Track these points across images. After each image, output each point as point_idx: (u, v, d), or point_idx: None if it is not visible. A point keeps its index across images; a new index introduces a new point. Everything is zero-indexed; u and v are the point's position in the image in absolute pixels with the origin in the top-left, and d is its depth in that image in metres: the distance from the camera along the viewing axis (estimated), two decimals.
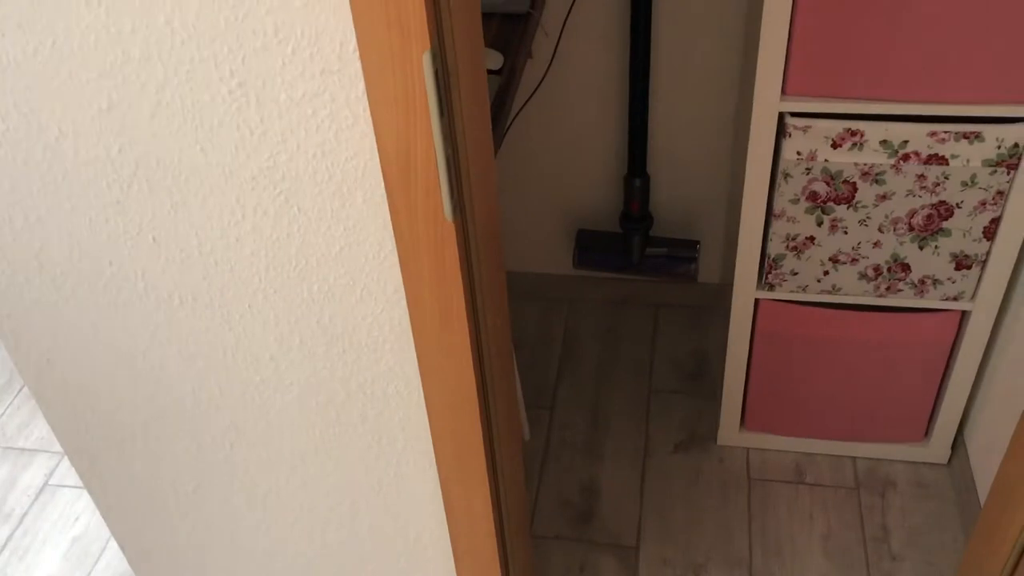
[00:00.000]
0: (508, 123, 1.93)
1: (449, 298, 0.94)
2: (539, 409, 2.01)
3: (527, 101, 1.89)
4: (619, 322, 2.19)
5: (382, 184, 0.88)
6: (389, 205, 0.89)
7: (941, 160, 1.40)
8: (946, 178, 1.42)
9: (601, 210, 2.08)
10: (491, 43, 1.58)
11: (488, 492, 1.14)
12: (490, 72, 1.49)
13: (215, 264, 1.01)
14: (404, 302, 0.98)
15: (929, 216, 1.47)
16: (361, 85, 0.82)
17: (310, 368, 1.09)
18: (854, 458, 1.85)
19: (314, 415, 1.15)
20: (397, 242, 0.91)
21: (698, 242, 2.00)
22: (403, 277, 0.94)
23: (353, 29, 0.78)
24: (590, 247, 2.03)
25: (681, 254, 1.99)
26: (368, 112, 0.84)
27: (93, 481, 1.31)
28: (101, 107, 0.89)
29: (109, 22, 0.82)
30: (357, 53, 0.80)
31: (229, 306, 1.05)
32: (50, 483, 1.96)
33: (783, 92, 1.39)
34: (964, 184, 1.42)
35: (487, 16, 1.65)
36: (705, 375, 2.06)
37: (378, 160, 0.86)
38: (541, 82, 1.85)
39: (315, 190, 0.92)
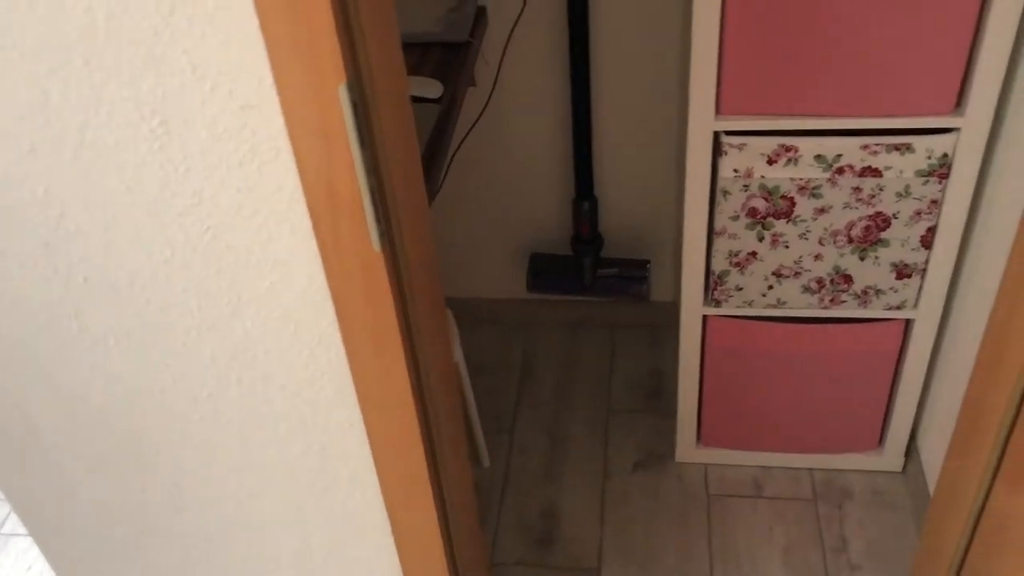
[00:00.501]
0: (454, 150, 1.94)
1: (382, 327, 0.94)
2: (499, 434, 2.01)
3: (471, 128, 1.90)
4: (576, 344, 2.20)
5: (308, 216, 0.89)
6: (316, 237, 0.89)
7: (875, 172, 1.42)
8: (881, 189, 1.44)
9: (553, 233, 2.09)
10: (432, 72, 1.59)
11: (436, 520, 1.14)
12: (430, 101, 1.50)
13: (147, 303, 1.00)
14: (339, 333, 0.98)
15: (867, 227, 1.49)
16: (281, 119, 0.83)
17: (250, 404, 1.08)
18: (811, 470, 1.87)
19: (257, 452, 1.14)
20: (326, 274, 0.91)
21: (648, 261, 2.02)
22: (335, 308, 0.94)
23: (269, 65, 0.79)
24: (543, 271, 2.04)
25: (632, 274, 2.00)
26: (290, 145, 0.84)
27: (39, 528, 1.29)
28: (23, 150, 0.88)
29: (26, 64, 0.82)
30: (275, 88, 0.80)
31: (164, 344, 1.04)
32: (2, 532, 1.93)
33: (717, 112, 1.42)
34: (898, 195, 1.44)
35: (427, 46, 1.66)
36: (662, 393, 2.07)
37: (303, 193, 0.87)
38: (484, 109, 1.87)
39: (243, 225, 0.92)
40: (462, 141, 1.92)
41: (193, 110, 0.84)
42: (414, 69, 1.60)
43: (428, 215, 1.00)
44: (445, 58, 1.63)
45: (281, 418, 1.09)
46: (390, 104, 0.85)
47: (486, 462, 1.93)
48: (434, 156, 1.41)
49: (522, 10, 1.74)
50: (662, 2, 1.72)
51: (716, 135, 1.44)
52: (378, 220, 0.86)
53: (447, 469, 1.14)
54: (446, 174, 1.98)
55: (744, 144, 1.42)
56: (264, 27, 0.76)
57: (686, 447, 1.88)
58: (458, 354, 1.70)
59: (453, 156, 1.95)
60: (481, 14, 1.76)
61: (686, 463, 1.90)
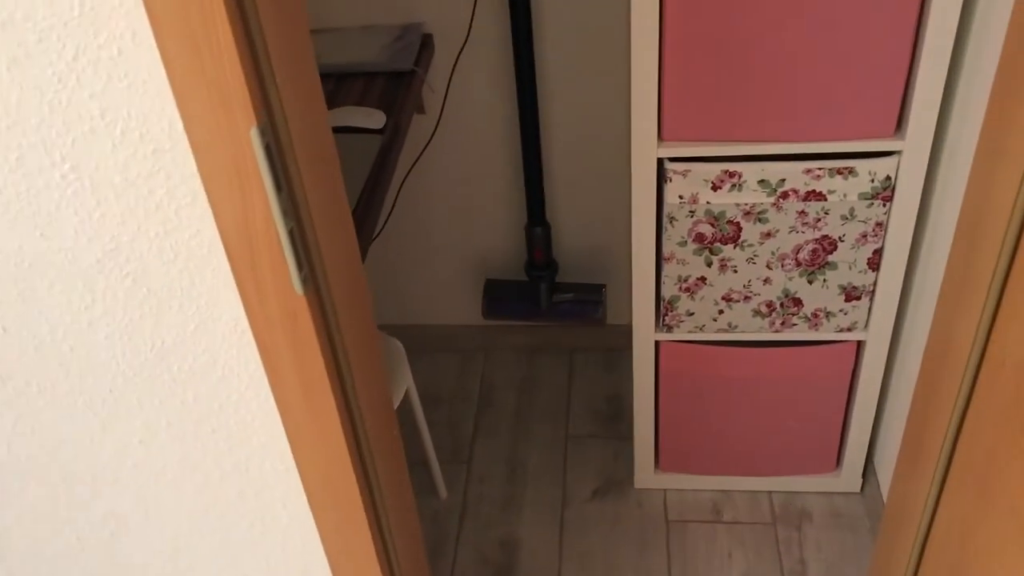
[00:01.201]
0: (402, 178, 1.92)
1: (310, 372, 0.92)
2: (456, 464, 1.98)
3: (419, 156, 1.89)
4: (535, 370, 2.18)
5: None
6: (236, 282, 0.87)
7: (819, 196, 1.42)
8: (826, 213, 1.44)
9: (507, 259, 2.08)
10: (376, 102, 1.57)
11: (378, 565, 1.11)
12: (372, 132, 1.48)
13: (70, 350, 0.97)
14: (267, 379, 0.96)
15: (814, 251, 1.49)
16: (195, 163, 0.80)
17: (181, 450, 1.06)
18: (770, 492, 1.86)
19: (192, 497, 1.11)
20: (249, 319, 0.89)
21: (604, 286, 2.01)
22: (260, 354, 0.92)
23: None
24: (499, 296, 2.02)
25: (588, 298, 1.99)
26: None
27: None
28: None
29: None
30: (185, 133, 0.78)
31: (90, 391, 1.01)
32: None
33: (659, 138, 1.41)
34: (844, 218, 1.44)
35: (372, 76, 1.65)
36: (621, 417, 2.05)
37: (220, 238, 0.84)
38: (432, 137, 1.85)
39: (162, 270, 0.89)
40: (410, 169, 1.90)
41: (104, 155, 0.82)
42: (358, 99, 1.58)
43: (356, 255, 0.98)
44: (390, 88, 1.62)
45: (214, 463, 1.07)
46: (308, 145, 0.83)
47: (443, 493, 1.91)
48: (376, 187, 1.39)
49: (467, 37, 1.73)
50: (609, 25, 1.72)
51: (660, 161, 1.43)
52: (299, 264, 0.84)
53: (389, 513, 1.12)
54: (395, 203, 1.96)
55: (688, 170, 1.42)
56: (170, 72, 0.74)
57: (644, 473, 1.86)
58: (410, 386, 1.68)
59: (403, 184, 1.94)
60: (427, 42, 1.75)
61: (645, 489, 1.88)
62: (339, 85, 1.63)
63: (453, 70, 1.77)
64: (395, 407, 1.49)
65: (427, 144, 1.86)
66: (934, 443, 1.28)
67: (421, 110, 1.87)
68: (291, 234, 0.83)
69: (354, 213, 1.33)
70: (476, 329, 2.20)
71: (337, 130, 1.49)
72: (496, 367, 2.20)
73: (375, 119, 1.50)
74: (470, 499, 1.91)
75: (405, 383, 1.55)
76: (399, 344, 1.62)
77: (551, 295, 1.99)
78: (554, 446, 2.00)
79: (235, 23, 0.71)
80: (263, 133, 0.77)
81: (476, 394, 2.14)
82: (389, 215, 1.96)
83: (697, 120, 1.39)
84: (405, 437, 1.99)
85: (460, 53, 1.75)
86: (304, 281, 0.86)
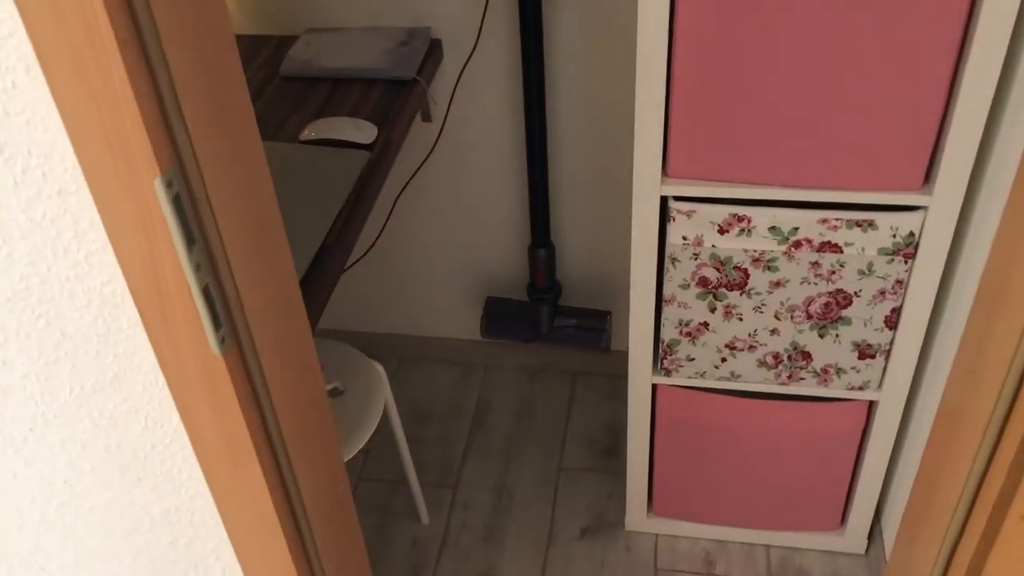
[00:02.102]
0: (402, 186, 1.83)
1: (233, 435, 0.84)
2: (442, 488, 1.90)
3: (420, 166, 1.79)
4: (535, 391, 2.09)
5: None
6: (148, 337, 0.78)
7: (835, 248, 1.31)
8: (841, 266, 1.32)
9: (510, 277, 1.98)
10: (370, 112, 1.48)
11: None
12: (361, 147, 1.39)
13: None
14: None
15: (827, 304, 1.37)
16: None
17: (108, 494, 0.98)
18: (768, 547, 1.75)
19: (122, 541, 1.04)
20: (165, 376, 0.81)
21: (609, 313, 1.90)
22: (179, 412, 0.84)
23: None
24: (498, 315, 1.93)
25: (591, 325, 1.89)
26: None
27: None
28: None
29: None
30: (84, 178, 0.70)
31: (10, 429, 0.94)
32: None
33: (664, 174, 1.30)
34: (861, 272, 1.33)
35: (370, 83, 1.56)
36: (619, 450, 1.95)
37: (129, 290, 0.76)
38: (433, 148, 1.76)
39: (76, 314, 0.81)
40: (411, 176, 1.81)
41: (7, 191, 0.74)
42: (351, 108, 1.49)
43: (297, 308, 0.89)
44: (388, 97, 1.53)
45: (143, 510, 0.99)
46: (233, 192, 0.75)
47: (425, 518, 1.83)
48: (357, 207, 1.30)
49: (475, 47, 1.63)
50: (624, 44, 1.61)
51: (664, 199, 1.33)
52: (216, 323, 0.76)
53: (330, 573, 1.04)
54: (392, 209, 1.87)
55: (693, 211, 1.31)
56: (63, 114, 0.65)
57: (636, 515, 1.77)
58: (391, 408, 1.59)
59: (403, 190, 1.85)
60: (434, 48, 1.65)
61: (636, 532, 1.79)
62: (334, 91, 1.54)
63: (458, 80, 1.67)
64: (367, 435, 1.41)
65: (428, 155, 1.77)
66: (942, 513, 1.18)
67: (427, 118, 1.77)
68: (206, 291, 0.74)
69: (329, 233, 1.24)
70: (477, 344, 2.11)
71: (323, 143, 1.40)
72: (494, 385, 2.11)
73: (365, 133, 1.41)
74: (452, 527, 1.83)
75: (379, 408, 1.46)
76: (379, 369, 1.54)
77: (553, 319, 1.89)
78: (546, 477, 1.91)
79: (132, 58, 0.62)
80: (169, 184, 0.68)
81: (471, 413, 2.05)
82: (385, 224, 1.88)
83: (705, 158, 1.28)
84: (389, 457, 1.92)
85: (467, 63, 1.65)
86: (222, 341, 0.77)
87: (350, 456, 1.38)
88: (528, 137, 1.66)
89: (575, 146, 1.75)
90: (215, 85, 0.70)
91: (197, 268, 0.73)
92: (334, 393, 1.48)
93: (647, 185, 1.31)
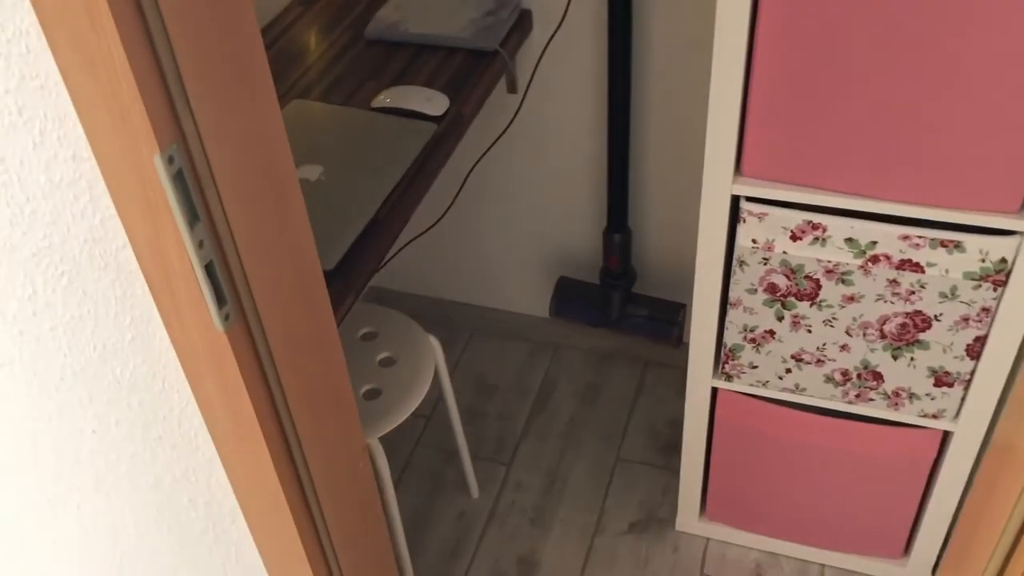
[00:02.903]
0: (472, 165, 1.81)
1: (238, 410, 0.84)
2: (496, 464, 1.89)
3: (499, 137, 1.76)
4: (602, 376, 2.05)
5: None
6: (158, 309, 0.78)
7: (915, 267, 1.21)
8: (922, 287, 1.23)
9: (584, 259, 1.94)
10: (446, 83, 1.45)
11: None
12: (430, 118, 1.37)
13: (21, 333, 0.92)
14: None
15: (903, 325, 1.28)
16: None
17: (131, 448, 1.00)
18: (822, 565, 1.67)
19: (147, 493, 1.06)
20: (174, 347, 0.81)
21: (684, 306, 1.83)
22: (188, 382, 0.84)
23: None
24: (569, 297, 1.89)
25: (664, 316, 1.83)
26: None
27: None
28: None
29: None
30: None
31: (44, 375, 0.96)
32: None
33: (737, 172, 1.23)
34: (943, 296, 1.23)
35: (452, 51, 1.53)
36: (680, 448, 1.89)
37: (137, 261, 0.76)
38: (512, 121, 1.72)
39: (95, 276, 0.82)
40: (487, 150, 1.78)
41: (27, 152, 0.74)
42: (428, 78, 1.47)
43: (316, 284, 0.87)
44: (467, 67, 1.49)
45: (164, 468, 1.01)
46: (239, 169, 0.73)
47: (474, 492, 1.82)
48: (415, 181, 1.28)
49: (562, 20, 1.57)
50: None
51: (735, 199, 1.26)
52: (218, 299, 0.75)
53: (341, 549, 1.04)
54: (465, 181, 1.84)
55: (765, 214, 1.23)
56: (67, 83, 0.65)
57: (688, 517, 1.71)
58: (443, 377, 1.59)
59: (476, 165, 1.81)
60: (524, 19, 1.60)
61: (686, 533, 1.73)
62: (415, 57, 1.52)
63: (542, 54, 1.62)
64: (410, 408, 1.41)
65: (507, 127, 1.73)
66: (983, 550, 1.11)
67: (512, 88, 1.73)
68: (208, 268, 0.74)
69: (383, 205, 1.23)
70: (549, 323, 2.08)
71: (393, 111, 1.39)
72: (562, 366, 2.07)
73: (435, 104, 1.38)
74: (501, 504, 1.81)
75: (426, 381, 1.45)
76: (433, 342, 1.52)
77: (624, 306, 1.84)
78: (602, 465, 1.87)
79: (129, 28, 0.60)
80: (170, 160, 0.67)
81: (535, 392, 2.03)
82: (458, 193, 1.85)
83: (783, 158, 1.20)
84: (449, 426, 1.91)
85: (552, 36, 1.60)
86: (226, 318, 0.76)
87: (389, 429, 1.38)
88: (611, 116, 1.60)
89: (661, 128, 1.68)
90: (226, 55, 0.68)
91: (200, 245, 0.72)
92: (386, 363, 1.48)
93: (718, 182, 1.24)
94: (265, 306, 0.80)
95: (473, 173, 1.86)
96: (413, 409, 1.40)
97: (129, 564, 1.17)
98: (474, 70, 1.49)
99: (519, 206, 1.90)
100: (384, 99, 1.41)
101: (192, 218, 0.70)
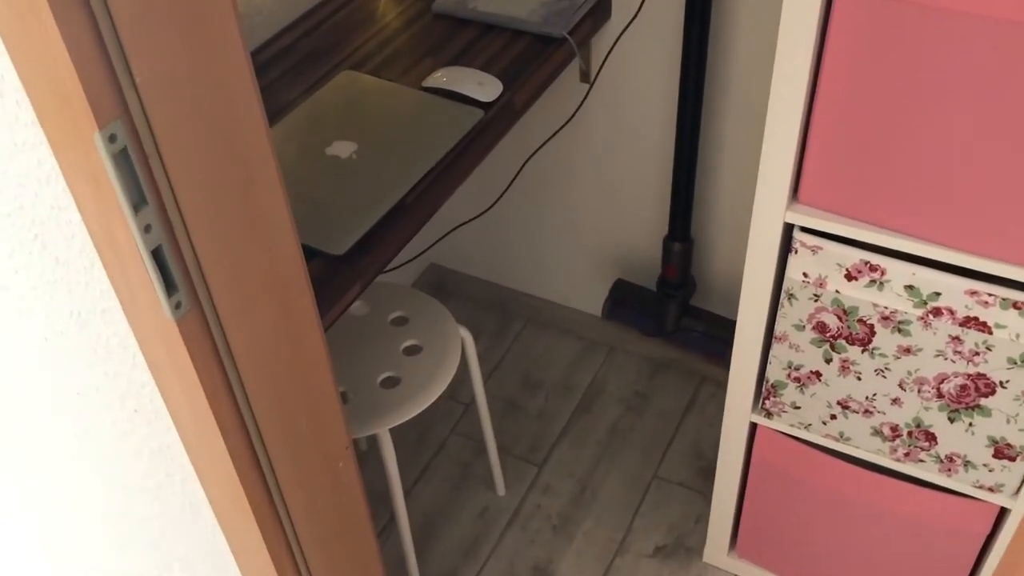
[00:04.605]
0: (531, 153, 1.73)
1: (194, 401, 0.80)
2: (528, 464, 1.83)
3: (561, 127, 1.67)
4: (653, 386, 1.95)
5: None
6: (114, 289, 0.75)
7: (982, 327, 1.08)
8: (988, 349, 1.10)
9: (643, 262, 1.84)
10: (505, 68, 1.38)
11: None
12: (478, 104, 1.30)
13: (4, 288, 0.91)
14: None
15: (963, 387, 1.15)
16: None
17: (111, 417, 0.98)
18: None
19: (129, 460, 1.04)
20: (132, 330, 0.78)
21: None
22: (148, 367, 0.81)
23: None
24: (624, 301, 1.80)
25: (720, 335, 1.72)
26: None
27: None
28: None
29: None
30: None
31: (30, 334, 0.95)
32: None
33: (793, 198, 1.12)
34: (1011, 362, 1.09)
35: (518, 34, 1.45)
36: None
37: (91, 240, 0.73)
38: (575, 113, 1.63)
39: (64, 243, 0.79)
40: (547, 139, 1.70)
41: None
42: (487, 61, 1.39)
43: (295, 274, 0.82)
44: (530, 52, 1.41)
45: (142, 440, 0.98)
46: (196, 149, 0.68)
47: (501, 490, 1.77)
48: (453, 166, 1.22)
49: (637, 12, 1.47)
50: None
51: (788, 226, 1.15)
52: (168, 286, 0.71)
53: (312, 548, 1.00)
54: (518, 174, 1.77)
55: (820, 247, 1.12)
56: (8, 48, 0.61)
57: (716, 550, 1.62)
58: (474, 372, 1.53)
59: (534, 154, 1.74)
60: (601, 6, 1.51)
61: (712, 566, 1.64)
62: (480, 37, 1.45)
63: (614, 45, 1.53)
64: (427, 401, 1.36)
65: (570, 118, 1.65)
66: None
67: (585, 78, 1.64)
68: (157, 254, 0.69)
69: (411, 191, 1.17)
70: (604, 323, 2.00)
71: (443, 93, 1.32)
72: (613, 370, 1.99)
73: (487, 90, 1.31)
74: (526, 506, 1.76)
75: (447, 375, 1.39)
76: (463, 335, 1.47)
77: (680, 318, 1.74)
78: (636, 481, 1.79)
79: None
80: (112, 138, 0.62)
81: (581, 393, 1.95)
82: (512, 181, 1.78)
83: (844, 188, 1.08)
84: (476, 425, 1.86)
85: (626, 28, 1.50)
86: (177, 306, 0.72)
87: (401, 421, 1.33)
88: (680, 118, 1.50)
89: (735, 134, 1.56)
90: (178, 16, 0.63)
91: (147, 229, 0.68)
92: (411, 351, 1.43)
93: (771, 207, 1.13)
94: (224, 295, 0.75)
95: (538, 159, 1.78)
96: (430, 403, 1.35)
97: (115, 527, 1.16)
98: (537, 56, 1.41)
99: (580, 199, 1.82)
100: (441, 78, 1.35)
101: (138, 200, 0.66)
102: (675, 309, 1.72)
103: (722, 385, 1.94)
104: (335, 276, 1.08)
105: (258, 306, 0.80)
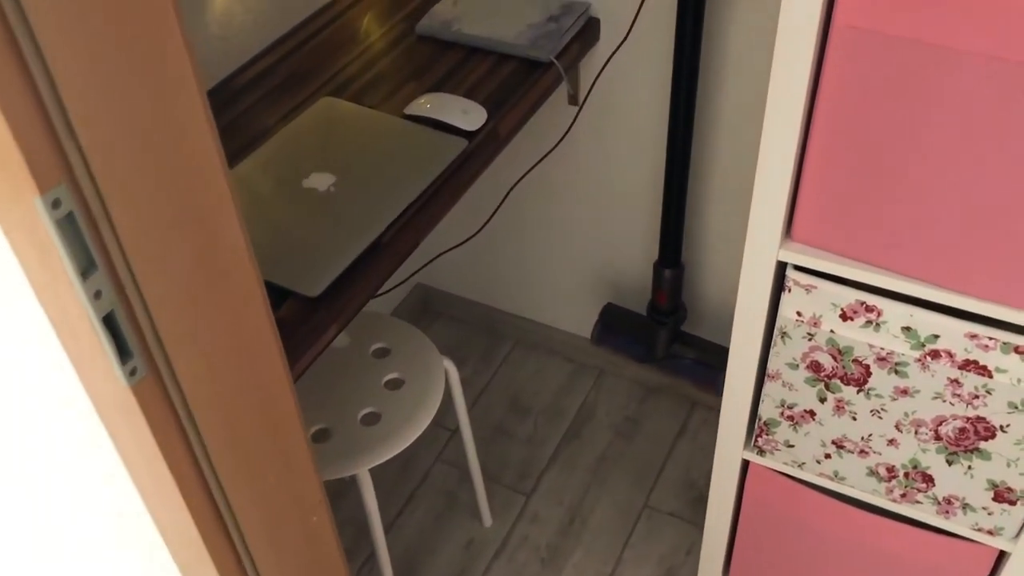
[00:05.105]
0: (522, 175, 1.69)
1: (154, 467, 0.76)
2: (516, 493, 1.79)
3: (547, 154, 1.63)
4: (644, 411, 1.91)
5: None
6: (67, 354, 0.70)
7: (982, 370, 1.04)
8: (988, 392, 1.06)
9: (633, 286, 1.80)
10: (491, 93, 1.34)
11: None
12: (461, 133, 1.26)
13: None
14: None
15: (962, 430, 1.11)
16: None
17: (85, 434, 0.94)
18: None
19: (99, 486, 1.00)
20: (88, 395, 0.73)
21: None
22: (106, 429, 0.77)
23: None
24: (614, 326, 1.76)
25: (712, 362, 1.68)
26: None
27: None
28: None
29: None
30: None
31: (10, 338, 0.91)
32: None
33: (786, 235, 1.08)
34: (1012, 406, 1.05)
35: (505, 58, 1.41)
36: None
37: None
38: (564, 136, 1.59)
39: (28, 291, 0.75)
40: (537, 163, 1.66)
41: None
42: (472, 86, 1.35)
43: (259, 328, 0.78)
44: (516, 77, 1.37)
45: (113, 467, 0.95)
46: (149, 208, 0.64)
47: (487, 521, 1.72)
48: (432, 202, 1.17)
49: (627, 34, 1.43)
50: None
51: (781, 265, 1.11)
52: (123, 353, 0.67)
53: None
54: (506, 197, 1.73)
55: (814, 287, 1.08)
56: None
57: None
58: (459, 404, 1.49)
59: (524, 176, 1.70)
60: (589, 28, 1.47)
61: None
62: (465, 60, 1.40)
63: (603, 69, 1.49)
64: (410, 439, 1.32)
65: (558, 142, 1.61)
66: None
67: (573, 100, 1.60)
68: (109, 320, 0.65)
69: (387, 229, 1.13)
70: (594, 345, 1.95)
71: (425, 121, 1.28)
72: (603, 394, 1.95)
73: (471, 118, 1.27)
74: (513, 537, 1.71)
75: (430, 411, 1.35)
76: (446, 367, 1.43)
77: (671, 345, 1.70)
78: (627, 510, 1.75)
79: None
80: (55, 204, 0.58)
81: (570, 417, 1.91)
82: (500, 205, 1.74)
83: (840, 227, 1.04)
84: (477, 444, 1.81)
85: (615, 51, 1.46)
86: (132, 373, 0.68)
87: (380, 461, 1.29)
88: (670, 142, 1.46)
89: (727, 159, 1.52)
90: (132, 80, 0.59)
91: (97, 295, 0.63)
92: (393, 384, 1.39)
93: (763, 245, 1.09)
94: (183, 359, 0.71)
95: (528, 180, 1.74)
96: (410, 442, 1.31)
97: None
98: (523, 82, 1.36)
99: (569, 222, 1.78)
100: (424, 104, 1.30)
101: (87, 266, 0.62)
102: (665, 335, 1.68)
103: (714, 410, 1.91)
104: (310, 318, 1.04)
105: (221, 367, 0.75)
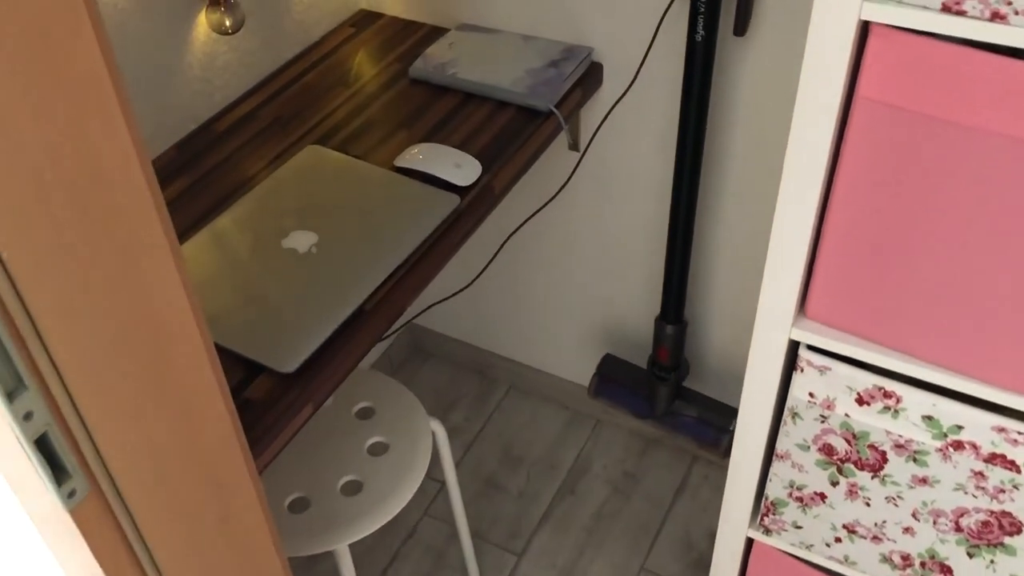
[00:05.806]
0: (506, 240, 1.61)
1: None
2: (506, 553, 1.71)
3: (548, 202, 1.56)
4: (643, 466, 1.84)
5: None
6: (2, 475, 0.63)
7: (1010, 464, 0.97)
8: (1015, 487, 0.98)
9: (634, 337, 1.73)
10: (487, 144, 1.27)
11: None
12: (454, 188, 1.18)
13: None
14: None
15: (986, 524, 1.04)
16: None
17: None
18: None
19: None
20: (28, 516, 0.66)
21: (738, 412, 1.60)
22: (51, 551, 0.69)
23: None
24: (612, 379, 1.69)
25: (714, 421, 1.61)
26: None
27: None
28: None
29: None
30: None
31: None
32: None
33: (800, 312, 1.01)
34: None
35: (503, 105, 1.34)
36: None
37: None
38: (565, 184, 1.52)
39: None
40: (537, 211, 1.59)
41: None
42: (468, 135, 1.28)
43: (227, 439, 0.70)
44: (514, 127, 1.30)
45: None
46: (82, 321, 0.56)
47: None
48: (419, 265, 1.10)
49: (632, 82, 1.36)
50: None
51: (793, 343, 1.03)
52: (60, 476, 0.59)
53: None
54: (502, 246, 1.66)
55: (828, 368, 1.01)
56: None
57: None
58: (447, 465, 1.41)
59: (524, 223, 1.63)
60: (592, 74, 1.40)
61: None
62: (460, 107, 1.33)
63: (606, 116, 1.42)
64: (393, 511, 1.24)
65: (560, 190, 1.53)
66: None
67: (574, 146, 1.53)
68: (41, 442, 0.57)
69: (372, 296, 1.05)
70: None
71: (416, 174, 1.21)
72: (600, 445, 1.87)
73: (464, 173, 1.19)
74: None
75: (416, 478, 1.28)
76: (433, 429, 1.35)
77: (672, 401, 1.62)
78: (622, 573, 1.67)
79: None
80: None
81: (565, 471, 1.83)
82: (497, 252, 1.67)
83: (858, 307, 0.97)
84: (466, 497, 1.73)
85: (620, 99, 1.39)
86: (70, 495, 0.60)
87: (361, 536, 1.21)
88: (675, 194, 1.39)
89: (732, 212, 1.45)
90: (61, 188, 0.51)
91: (27, 417, 0.56)
92: (377, 449, 1.31)
93: (774, 322, 1.02)
94: (128, 476, 0.63)
95: (527, 225, 1.67)
96: (393, 515, 1.23)
97: None
98: (521, 131, 1.29)
99: (569, 269, 1.71)
100: (416, 155, 1.23)
101: (15, 386, 0.54)
102: (666, 392, 1.61)
103: (715, 465, 1.83)
104: (284, 396, 0.96)
105: (174, 482, 0.68)
